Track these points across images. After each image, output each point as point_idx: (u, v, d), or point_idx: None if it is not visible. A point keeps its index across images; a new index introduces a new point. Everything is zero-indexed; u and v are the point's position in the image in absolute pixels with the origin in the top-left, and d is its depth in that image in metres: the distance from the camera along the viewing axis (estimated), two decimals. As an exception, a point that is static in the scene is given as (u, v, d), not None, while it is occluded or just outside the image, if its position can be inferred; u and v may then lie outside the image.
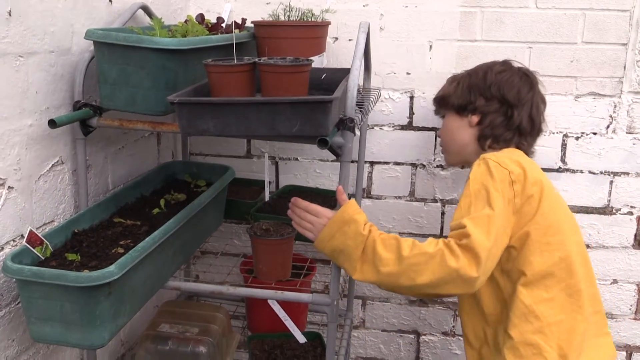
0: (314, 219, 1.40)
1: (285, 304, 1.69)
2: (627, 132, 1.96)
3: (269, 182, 1.67)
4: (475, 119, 1.61)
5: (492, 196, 1.37)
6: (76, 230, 1.42)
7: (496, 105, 1.59)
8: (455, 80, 1.70)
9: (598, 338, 1.49)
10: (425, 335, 2.24)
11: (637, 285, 2.09)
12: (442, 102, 1.72)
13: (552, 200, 1.46)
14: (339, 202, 1.39)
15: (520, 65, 1.66)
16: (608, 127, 1.97)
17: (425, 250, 1.31)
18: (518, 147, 1.59)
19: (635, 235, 2.04)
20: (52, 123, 1.34)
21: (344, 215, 1.35)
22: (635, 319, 2.12)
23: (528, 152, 1.62)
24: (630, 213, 2.02)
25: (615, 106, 1.95)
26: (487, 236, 1.31)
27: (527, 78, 1.62)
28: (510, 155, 1.48)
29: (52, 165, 1.45)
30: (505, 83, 1.59)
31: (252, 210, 1.79)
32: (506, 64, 1.65)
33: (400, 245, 1.33)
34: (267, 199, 1.75)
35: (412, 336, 2.25)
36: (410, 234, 2.13)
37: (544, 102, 1.65)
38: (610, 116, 1.96)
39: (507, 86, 1.59)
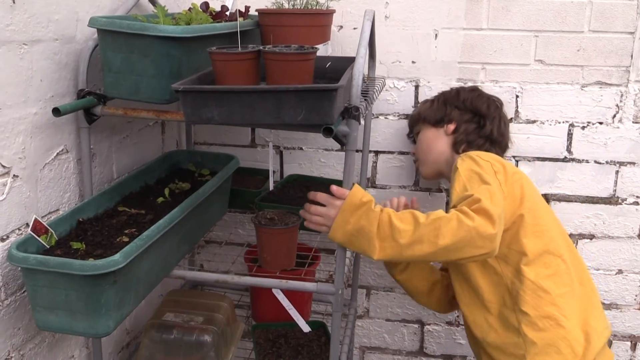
0: (323, 210, 1.41)
1: (289, 293, 1.69)
2: (633, 122, 1.95)
3: (273, 172, 1.66)
4: (451, 127, 1.78)
5: (484, 177, 1.47)
6: (81, 219, 1.42)
7: (469, 115, 1.78)
8: (428, 101, 1.88)
9: (595, 308, 1.56)
10: (429, 325, 2.25)
11: (642, 275, 2.09)
12: (419, 119, 1.87)
13: (531, 186, 1.59)
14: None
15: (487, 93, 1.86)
16: (614, 116, 1.95)
17: (442, 215, 1.36)
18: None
19: (641, 226, 2.04)
20: (56, 111, 1.34)
21: (354, 200, 1.36)
22: (640, 309, 2.12)
23: None
24: (636, 203, 2.01)
25: (621, 95, 1.93)
26: (493, 203, 1.37)
27: (493, 100, 1.82)
28: (486, 153, 1.63)
29: (57, 154, 1.44)
30: (477, 98, 1.80)
31: (256, 200, 1.79)
32: (475, 87, 1.87)
33: (415, 215, 1.37)
34: (271, 188, 1.74)
35: (416, 326, 2.26)
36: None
37: (508, 123, 1.85)
38: (617, 105, 1.94)
39: (478, 101, 1.79)
